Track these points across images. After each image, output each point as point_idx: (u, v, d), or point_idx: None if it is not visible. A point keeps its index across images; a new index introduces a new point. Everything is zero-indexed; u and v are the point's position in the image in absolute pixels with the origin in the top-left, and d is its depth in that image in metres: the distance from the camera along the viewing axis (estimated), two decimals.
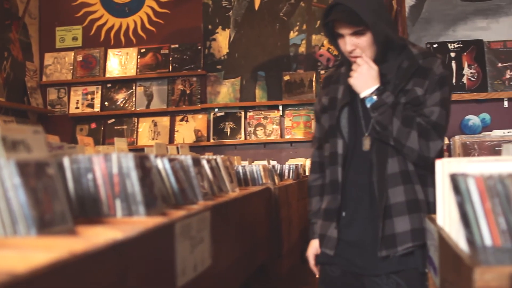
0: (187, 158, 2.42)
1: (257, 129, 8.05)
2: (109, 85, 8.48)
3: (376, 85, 2.73)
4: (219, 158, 2.94)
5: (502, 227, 1.45)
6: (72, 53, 8.59)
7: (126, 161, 1.78)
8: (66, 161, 1.80)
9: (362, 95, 2.78)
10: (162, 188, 2.08)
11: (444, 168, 2.09)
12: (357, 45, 2.76)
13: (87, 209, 1.79)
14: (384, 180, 2.77)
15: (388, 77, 2.80)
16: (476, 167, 1.79)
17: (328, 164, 2.99)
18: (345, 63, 2.98)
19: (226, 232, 2.61)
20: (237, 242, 2.84)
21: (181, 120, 8.26)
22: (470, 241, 1.55)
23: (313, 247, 3.13)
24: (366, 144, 2.85)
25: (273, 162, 6.16)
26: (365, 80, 2.75)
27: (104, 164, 1.79)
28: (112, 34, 8.62)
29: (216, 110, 8.23)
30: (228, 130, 8.13)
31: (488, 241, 1.49)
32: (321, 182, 3.13)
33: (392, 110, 2.70)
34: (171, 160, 2.25)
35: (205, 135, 8.17)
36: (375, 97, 2.73)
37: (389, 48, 2.80)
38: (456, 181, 1.53)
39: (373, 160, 2.80)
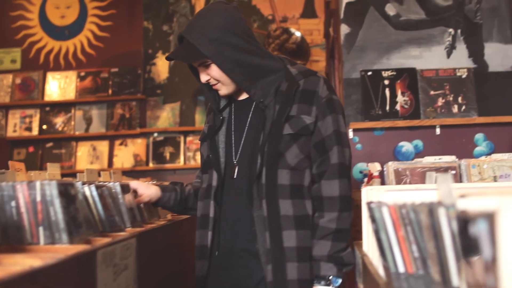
0: (115, 185, 2.43)
1: (196, 154, 8.05)
2: (47, 109, 8.39)
3: None
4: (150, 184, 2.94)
5: (415, 254, 1.48)
6: (10, 76, 8.48)
7: (50, 188, 1.78)
8: None
9: None
10: (88, 215, 2.09)
11: (367, 196, 2.14)
12: (210, 75, 2.62)
13: (10, 236, 1.79)
14: (277, 217, 2.54)
15: (265, 102, 2.62)
16: (394, 195, 1.84)
17: (201, 198, 2.77)
18: (210, 100, 2.81)
19: (155, 258, 2.60)
20: (167, 268, 2.85)
21: (120, 144, 8.22)
22: (386, 268, 1.59)
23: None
24: (234, 171, 2.66)
25: None
26: None
27: (28, 192, 1.79)
28: (51, 57, 8.55)
29: (155, 134, 8.21)
30: (168, 154, 8.11)
31: (401, 268, 1.53)
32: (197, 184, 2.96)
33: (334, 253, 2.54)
34: (98, 187, 2.25)
35: (144, 159, 8.13)
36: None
37: (255, 71, 2.61)
38: (371, 210, 1.56)
39: (254, 195, 2.57)
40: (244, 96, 2.78)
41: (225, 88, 2.66)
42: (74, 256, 1.55)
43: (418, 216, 1.43)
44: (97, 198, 2.21)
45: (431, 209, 1.32)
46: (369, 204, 1.58)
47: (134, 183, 2.81)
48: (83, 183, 2.21)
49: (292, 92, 2.61)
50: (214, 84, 2.66)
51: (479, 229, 0.97)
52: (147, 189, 2.80)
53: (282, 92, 2.62)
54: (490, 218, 0.94)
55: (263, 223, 2.53)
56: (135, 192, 2.76)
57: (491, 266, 0.95)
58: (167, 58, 2.65)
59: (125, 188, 2.54)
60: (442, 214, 1.27)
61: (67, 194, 1.85)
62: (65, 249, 1.69)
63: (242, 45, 2.58)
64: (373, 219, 1.56)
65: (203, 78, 2.64)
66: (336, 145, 2.60)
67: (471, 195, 1.08)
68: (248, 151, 2.67)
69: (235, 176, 2.66)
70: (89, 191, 2.19)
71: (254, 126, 2.69)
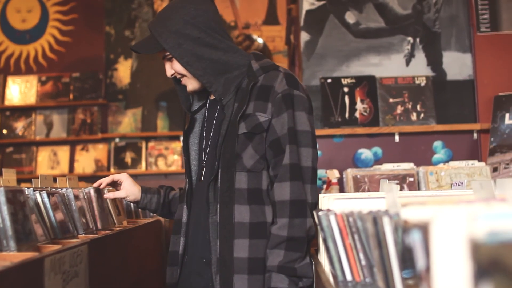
0: (68, 192, 2.41)
1: (158, 159, 8.03)
2: (8, 113, 8.30)
3: None
4: (106, 191, 2.92)
5: (362, 262, 1.49)
6: None
7: None
8: None
9: None
10: (39, 222, 2.06)
11: (323, 203, 2.14)
12: (174, 70, 2.55)
13: None
14: (229, 224, 2.41)
15: (224, 101, 2.52)
16: (344, 203, 1.84)
17: (180, 202, 2.72)
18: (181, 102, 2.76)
19: (108, 265, 2.59)
20: (121, 275, 2.83)
21: (81, 149, 8.17)
22: (334, 276, 1.59)
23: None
24: (202, 175, 2.57)
25: None
26: None
27: None
28: (12, 61, 8.46)
29: (117, 140, 8.16)
30: (129, 160, 8.07)
31: (349, 276, 1.53)
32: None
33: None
34: (51, 194, 2.23)
35: (106, 165, 8.09)
36: None
37: (217, 66, 2.49)
38: (319, 218, 1.57)
39: (211, 199, 2.46)
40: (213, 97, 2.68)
41: (189, 83, 2.56)
42: (21, 264, 1.54)
43: (365, 225, 1.44)
44: (48, 205, 2.19)
45: (375, 218, 1.33)
46: (317, 212, 1.58)
47: (122, 175, 2.78)
48: (35, 190, 2.19)
49: (249, 89, 2.47)
50: (181, 79, 2.58)
51: (413, 239, 0.98)
52: (131, 186, 2.76)
53: (242, 89, 2.50)
54: (424, 228, 0.94)
55: (216, 229, 2.42)
56: (119, 184, 2.77)
57: (425, 276, 0.96)
58: (131, 48, 2.57)
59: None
60: (386, 223, 1.28)
61: (15, 200, 1.83)
62: (12, 256, 1.67)
63: (203, 39, 2.48)
64: (321, 227, 1.56)
65: (168, 72, 2.57)
66: (289, 144, 2.40)
67: (412, 205, 1.08)
68: (211, 153, 2.55)
69: (202, 179, 2.56)
70: (40, 198, 2.17)
71: (218, 126, 2.55)
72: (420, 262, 0.98)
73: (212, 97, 2.69)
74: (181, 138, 2.77)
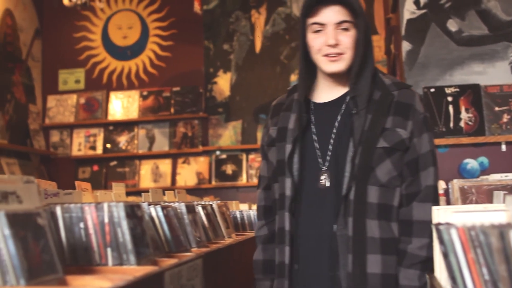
0: (181, 205, 2.44)
1: (258, 171, 8.05)
2: (111, 128, 8.52)
3: None
4: (214, 204, 2.95)
5: (485, 277, 1.46)
6: (74, 96, 8.64)
7: (117, 210, 1.80)
8: (58, 210, 1.83)
9: None
10: (154, 236, 2.10)
11: (435, 215, 2.11)
12: (340, 41, 2.39)
13: (79, 258, 1.81)
14: (362, 239, 2.32)
15: (359, 106, 2.40)
16: (462, 216, 1.81)
17: (277, 209, 2.53)
18: (298, 88, 2.56)
19: (221, 278, 2.61)
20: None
21: (183, 162, 8.28)
22: None
23: None
24: (324, 180, 2.42)
25: None
26: None
27: (95, 214, 1.81)
28: (114, 77, 8.68)
29: (217, 152, 8.24)
30: (230, 172, 8.14)
31: None
32: (267, 230, 2.66)
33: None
34: (164, 208, 2.27)
35: (207, 177, 8.17)
36: None
37: (363, 60, 2.43)
38: (439, 232, 1.54)
39: (341, 211, 2.35)
40: (326, 98, 2.53)
41: (342, 62, 2.42)
42: (142, 278, 1.57)
43: (488, 239, 1.41)
44: (163, 219, 2.22)
45: (502, 232, 1.30)
46: (437, 225, 1.56)
47: None
48: (149, 204, 2.24)
49: (387, 103, 2.40)
50: (337, 55, 2.41)
51: None
52: None
53: (374, 101, 2.41)
54: None
55: (346, 243, 2.32)
56: None
57: None
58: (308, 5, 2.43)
59: None
60: None
61: (134, 215, 1.87)
62: (133, 270, 1.70)
63: (368, 31, 2.48)
64: (441, 241, 1.54)
65: (333, 38, 2.38)
66: (433, 166, 2.40)
67: None
68: (335, 160, 2.43)
69: (327, 184, 2.41)
70: (155, 212, 2.21)
71: (342, 133, 2.44)
72: None
73: (322, 101, 2.56)
74: (269, 141, 2.65)
